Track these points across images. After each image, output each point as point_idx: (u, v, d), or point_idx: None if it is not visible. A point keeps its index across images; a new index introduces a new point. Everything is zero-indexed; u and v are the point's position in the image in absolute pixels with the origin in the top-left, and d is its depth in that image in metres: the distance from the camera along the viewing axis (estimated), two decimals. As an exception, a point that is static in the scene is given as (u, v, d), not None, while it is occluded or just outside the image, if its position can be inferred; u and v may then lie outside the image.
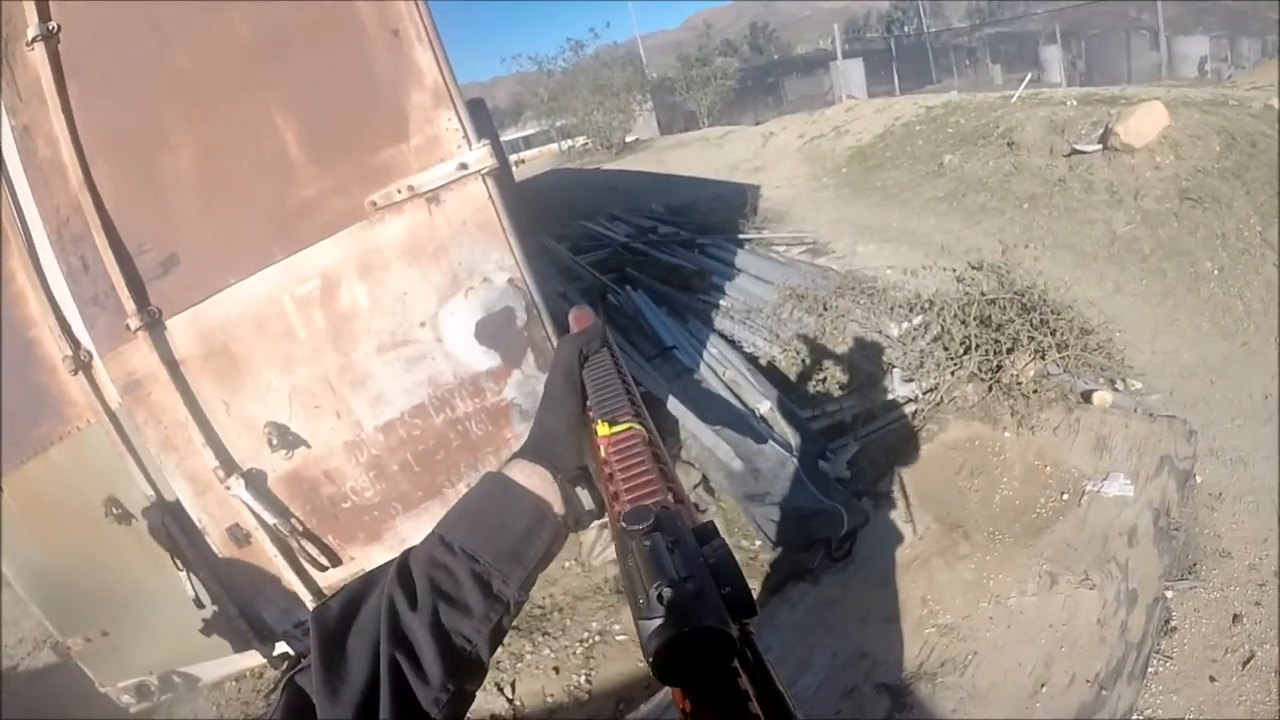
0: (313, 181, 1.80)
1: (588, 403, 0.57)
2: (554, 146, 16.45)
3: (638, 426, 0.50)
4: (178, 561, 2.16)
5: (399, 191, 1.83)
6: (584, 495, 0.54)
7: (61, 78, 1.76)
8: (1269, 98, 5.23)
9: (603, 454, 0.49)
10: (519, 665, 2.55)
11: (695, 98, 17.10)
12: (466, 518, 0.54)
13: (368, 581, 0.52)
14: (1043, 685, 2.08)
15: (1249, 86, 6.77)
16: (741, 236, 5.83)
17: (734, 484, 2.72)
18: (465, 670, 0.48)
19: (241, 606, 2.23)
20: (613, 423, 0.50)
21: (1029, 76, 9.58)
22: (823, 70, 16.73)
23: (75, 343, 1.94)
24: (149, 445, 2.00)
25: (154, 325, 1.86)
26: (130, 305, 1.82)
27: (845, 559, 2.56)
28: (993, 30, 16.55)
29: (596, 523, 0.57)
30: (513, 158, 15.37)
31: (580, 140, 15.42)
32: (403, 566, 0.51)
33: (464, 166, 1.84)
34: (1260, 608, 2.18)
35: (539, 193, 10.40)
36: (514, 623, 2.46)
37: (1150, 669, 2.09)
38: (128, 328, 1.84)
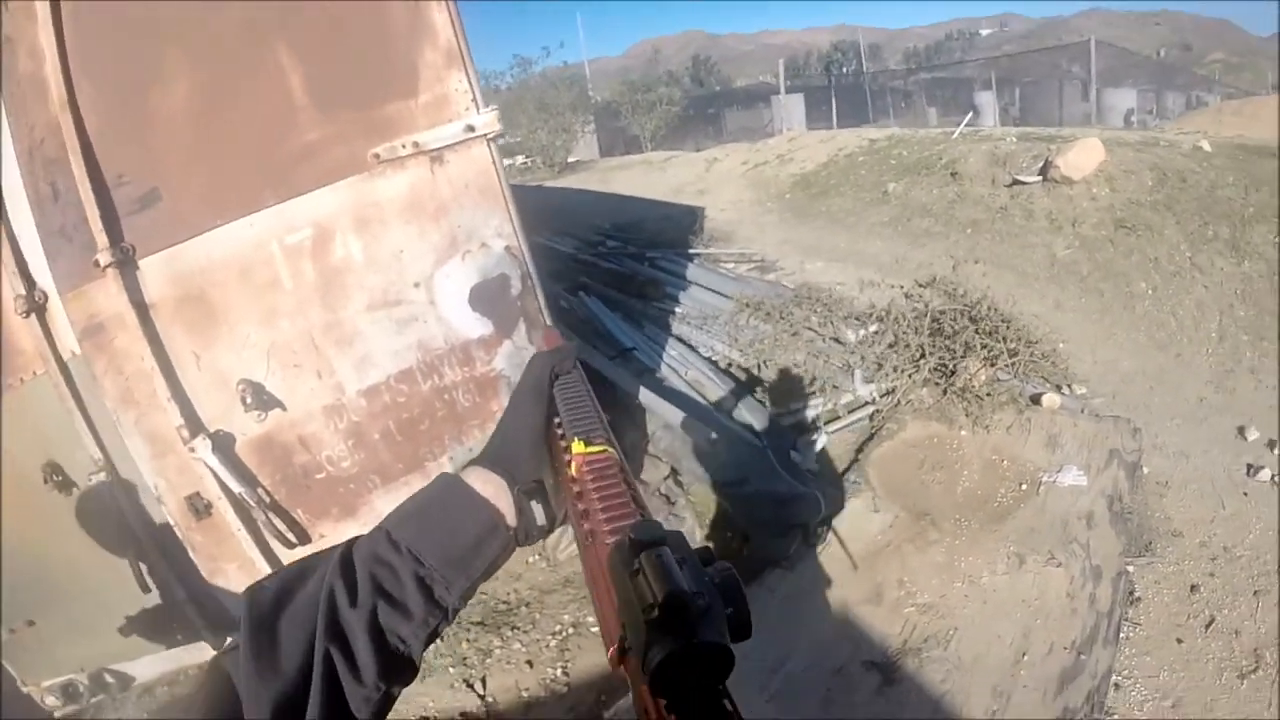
0: (315, 127, 1.77)
1: (557, 420, 0.57)
2: None
3: (611, 450, 0.50)
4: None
5: (403, 147, 1.82)
6: (537, 510, 0.54)
7: (55, -7, 1.68)
8: (1197, 140, 5.87)
9: (574, 472, 0.48)
10: (488, 660, 2.43)
11: (640, 121, 17.60)
12: (416, 517, 0.53)
13: (306, 567, 0.51)
14: (1024, 654, 2.14)
15: (1177, 132, 7.59)
16: (692, 251, 5.96)
17: (710, 470, 2.73)
18: (398, 672, 0.48)
19: (191, 590, 2.04)
20: (588, 442, 0.50)
21: (969, 115, 10.32)
22: (763, 104, 17.57)
23: (30, 281, 1.79)
24: (106, 399, 1.84)
25: (126, 263, 1.73)
26: (102, 239, 1.69)
27: (821, 545, 2.59)
28: (929, 75, 17.80)
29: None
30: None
31: (519, 158, 15.60)
32: (346, 557, 0.50)
33: (471, 129, 1.85)
34: (1214, 578, 2.34)
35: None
36: (477, 619, 2.36)
37: (1122, 635, 2.19)
38: (96, 264, 1.70)
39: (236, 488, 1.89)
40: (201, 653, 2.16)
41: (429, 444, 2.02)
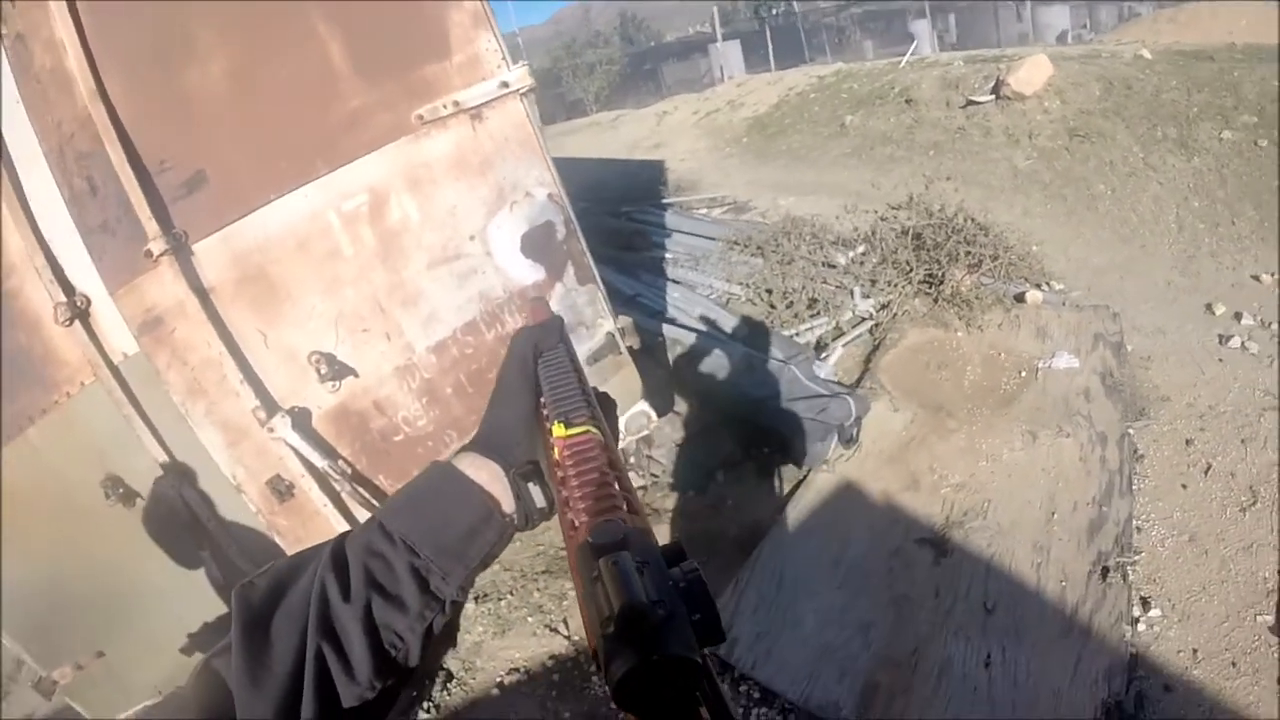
0: (358, 94, 1.80)
1: (542, 400, 0.55)
2: None
3: (594, 430, 0.48)
4: (199, 539, 1.96)
5: (444, 107, 1.87)
6: (535, 492, 0.52)
7: (71, -16, 1.64)
8: (1137, 49, 6.29)
9: (556, 455, 0.47)
10: (564, 603, 2.52)
11: (582, 85, 17.58)
12: (410, 507, 0.51)
13: (298, 562, 0.49)
14: (1053, 514, 2.40)
15: (1116, 43, 8.05)
16: (665, 201, 6.03)
17: (742, 390, 2.89)
18: (394, 668, 0.47)
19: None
20: (568, 424, 0.49)
21: (913, 44, 10.54)
22: (699, 54, 17.51)
23: (69, 287, 1.74)
24: (172, 393, 1.82)
25: (180, 249, 1.71)
26: (153, 227, 1.66)
27: (854, 445, 2.79)
28: (860, 9, 17.58)
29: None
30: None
31: None
32: (338, 551, 0.48)
33: (505, 85, 1.91)
34: (1204, 432, 2.67)
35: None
36: (542, 568, 2.44)
37: (1134, 487, 2.48)
38: (148, 254, 1.68)
39: (320, 462, 1.90)
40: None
41: (497, 395, 2.09)
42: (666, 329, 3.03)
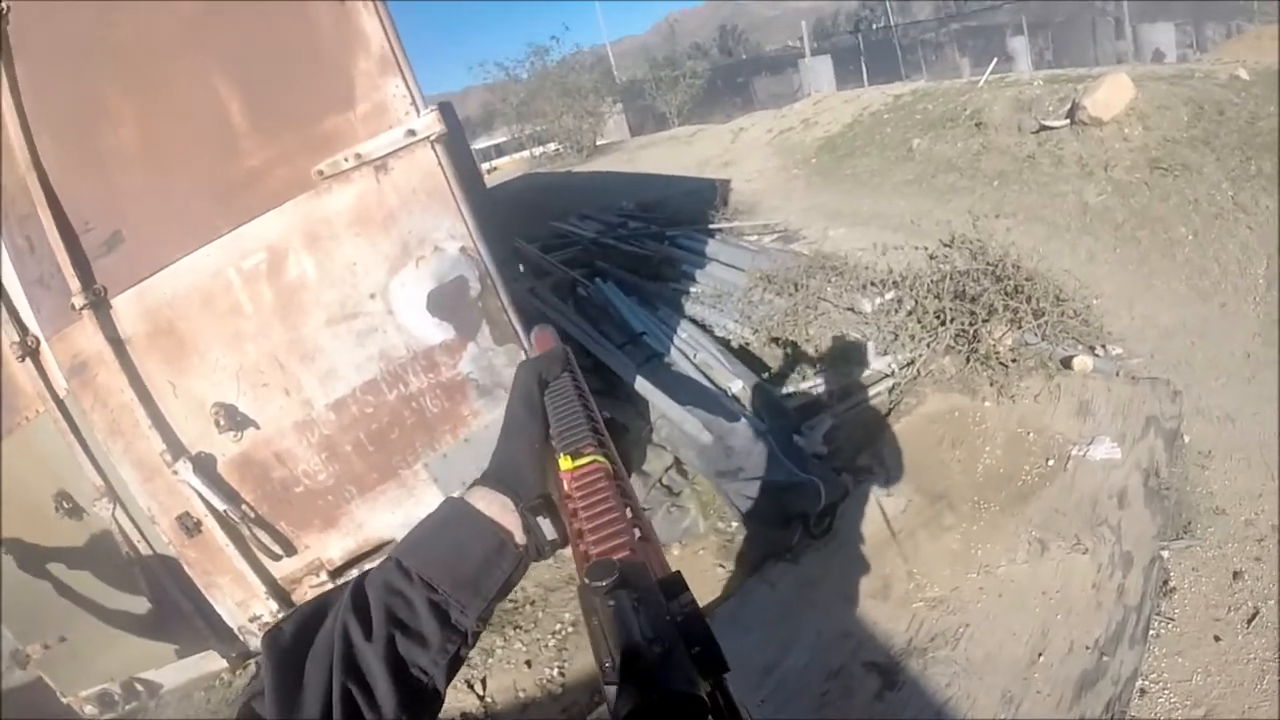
0: (257, 151, 1.80)
1: (550, 431, 0.56)
2: (525, 153, 16.55)
3: (601, 459, 0.49)
4: (129, 555, 2.11)
5: (346, 160, 1.82)
6: (546, 525, 0.53)
7: (10, 58, 1.76)
8: (1234, 69, 5.28)
9: (566, 489, 0.48)
10: (490, 660, 2.44)
11: (665, 98, 17.31)
12: (425, 543, 0.53)
13: (322, 603, 0.51)
14: (1040, 654, 1.97)
15: (1214, 62, 6.85)
16: (712, 227, 5.82)
17: (706, 461, 2.64)
18: (420, 702, 0.47)
19: (196, 602, 2.14)
20: (575, 455, 0.50)
21: (995, 60, 9.58)
22: (792, 69, 16.87)
23: (23, 328, 1.91)
24: (95, 431, 1.94)
25: (99, 304, 1.83)
26: (75, 284, 1.79)
27: (825, 535, 2.46)
28: (959, 25, 16.72)
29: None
30: (485, 166, 15.47)
31: (551, 145, 15.55)
32: (357, 591, 0.50)
33: (412, 133, 1.83)
34: (1260, 563, 2.07)
35: (511, 197, 10.44)
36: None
37: (1151, 632, 1.97)
38: (73, 307, 1.81)
39: (221, 505, 1.96)
40: (215, 661, 2.27)
41: (401, 452, 2.04)
42: (640, 384, 2.83)
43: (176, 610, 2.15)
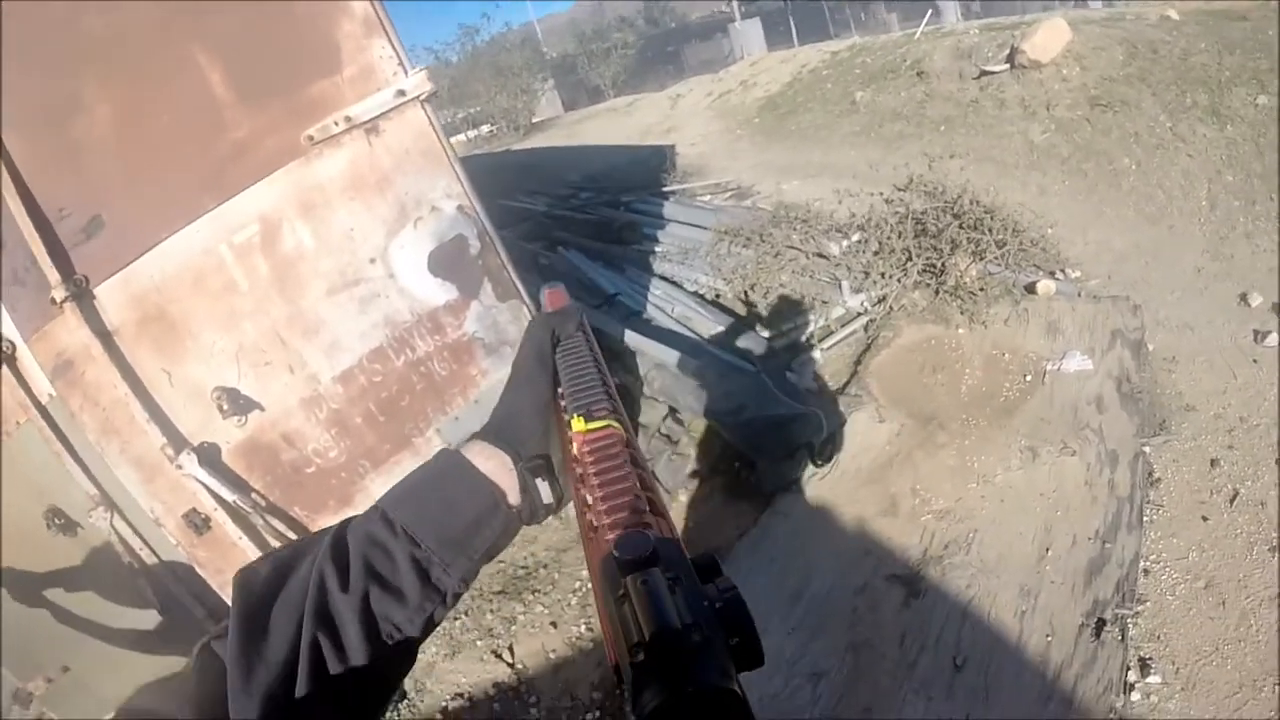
0: (243, 122, 1.75)
1: (559, 390, 0.54)
2: (461, 136, 16.28)
3: (615, 425, 0.47)
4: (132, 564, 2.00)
5: (336, 124, 1.79)
6: (543, 487, 0.51)
7: (-37, 45, 1.66)
8: (1164, 10, 5.66)
9: (575, 451, 0.46)
10: (513, 628, 2.43)
11: (599, 71, 17.31)
12: (413, 495, 0.50)
13: (300, 549, 0.49)
14: (1047, 549, 2.09)
15: (1141, 3, 7.30)
16: (666, 189, 5.84)
17: (707, 403, 2.69)
18: (392, 658, 0.46)
19: (209, 606, 2.05)
20: (589, 418, 0.47)
21: (929, 13, 9.97)
22: (721, 34, 17.00)
23: (-4, 333, 1.80)
24: (87, 433, 1.84)
25: (81, 295, 1.73)
26: (54, 275, 1.69)
27: (829, 463, 2.55)
28: None
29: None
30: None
31: (484, 127, 15.37)
32: (338, 539, 0.48)
33: (401, 93, 1.82)
34: (1233, 450, 2.26)
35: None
36: (498, 588, 2.33)
37: (1145, 518, 2.12)
38: (53, 301, 1.71)
39: (230, 496, 1.88)
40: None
41: (413, 419, 2.01)
42: (630, 336, 2.85)
43: (189, 618, 2.06)
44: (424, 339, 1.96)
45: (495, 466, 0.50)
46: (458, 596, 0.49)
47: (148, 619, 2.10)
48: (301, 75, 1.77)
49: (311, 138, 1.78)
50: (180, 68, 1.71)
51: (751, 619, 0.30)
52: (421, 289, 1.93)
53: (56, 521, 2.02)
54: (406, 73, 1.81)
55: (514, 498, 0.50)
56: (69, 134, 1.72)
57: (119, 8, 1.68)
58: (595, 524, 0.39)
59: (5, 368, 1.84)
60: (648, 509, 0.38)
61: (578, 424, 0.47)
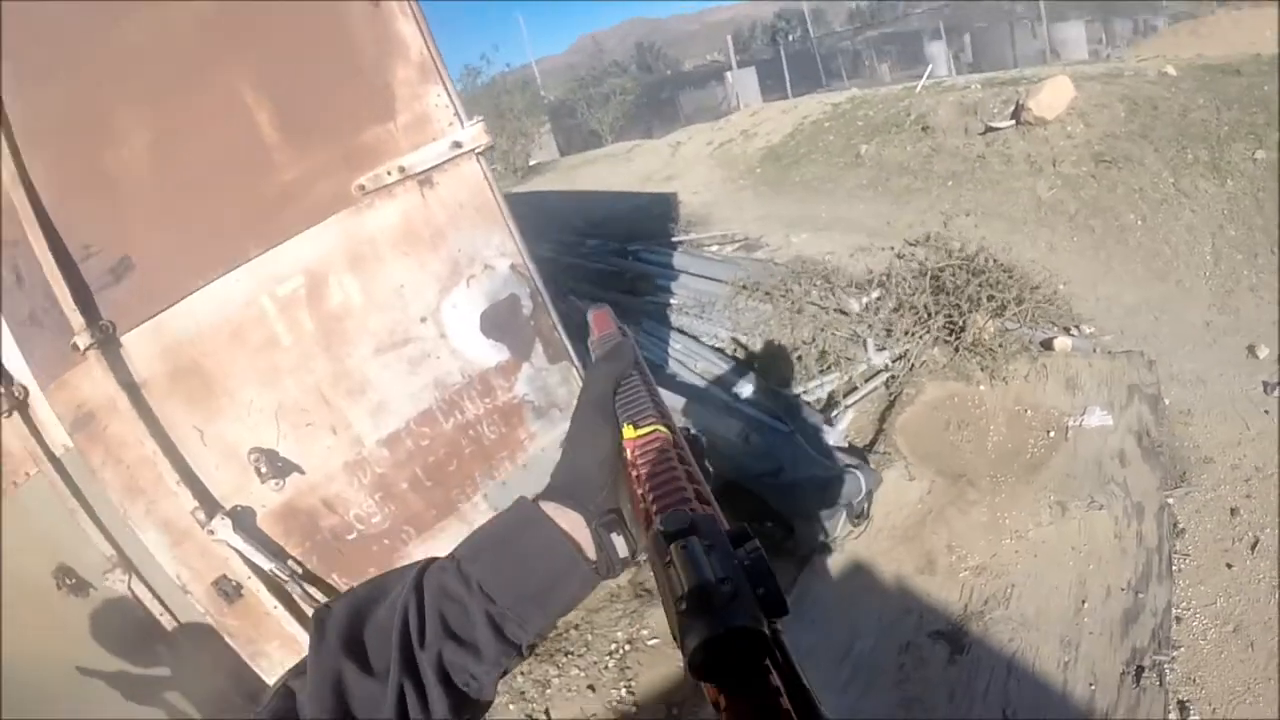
0: (291, 165, 1.63)
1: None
2: None
3: (662, 429, 0.49)
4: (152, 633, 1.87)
5: (389, 174, 1.69)
6: (618, 541, 0.50)
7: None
8: (1161, 66, 5.87)
9: (629, 456, 0.48)
10: (548, 692, 2.35)
11: (597, 115, 17.33)
12: (491, 550, 0.50)
13: (377, 590, 0.49)
14: (1083, 601, 2.14)
15: (1138, 59, 7.57)
16: (674, 239, 5.84)
17: (742, 465, 2.67)
18: (469, 708, 0.47)
19: (236, 676, 1.92)
20: (636, 425, 0.50)
21: (929, 68, 10.18)
22: (716, 82, 17.31)
23: (7, 377, 1.64)
24: (110, 491, 1.70)
25: (107, 342, 1.59)
26: (77, 320, 1.54)
27: (864, 522, 2.56)
28: (875, 32, 17.58)
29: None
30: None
31: None
32: (418, 587, 0.48)
33: (458, 145, 1.73)
34: (1251, 499, 2.36)
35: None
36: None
37: (1174, 567, 2.19)
38: (75, 348, 1.56)
39: (266, 564, 1.77)
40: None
41: (460, 484, 1.92)
42: (664, 395, 2.81)
43: (211, 688, 1.93)
44: (474, 401, 1.88)
45: (568, 524, 0.50)
46: (533, 648, 0.50)
47: (160, 687, 1.97)
48: (353, 120, 1.66)
49: (363, 187, 1.67)
50: (226, 102, 1.58)
51: (773, 574, 0.34)
52: (473, 350, 1.85)
53: (67, 581, 1.87)
54: (463, 123, 1.72)
55: (591, 553, 0.50)
56: (100, 162, 1.57)
57: (162, 20, 1.54)
58: (649, 513, 0.43)
59: (17, 415, 1.69)
60: (693, 497, 0.42)
61: (628, 431, 0.50)
